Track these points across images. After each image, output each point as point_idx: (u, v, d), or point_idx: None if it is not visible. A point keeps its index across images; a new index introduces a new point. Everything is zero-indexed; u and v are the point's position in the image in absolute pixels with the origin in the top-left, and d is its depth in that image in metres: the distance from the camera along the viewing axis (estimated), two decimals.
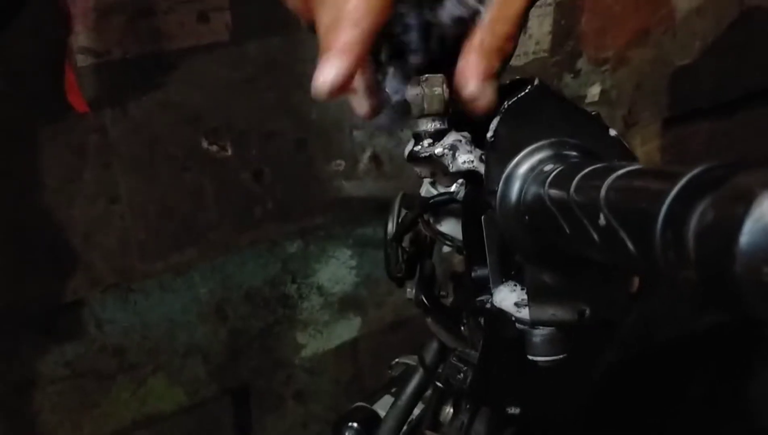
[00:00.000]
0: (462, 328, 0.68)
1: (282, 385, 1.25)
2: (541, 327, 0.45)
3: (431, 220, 0.66)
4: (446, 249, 0.71)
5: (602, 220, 0.30)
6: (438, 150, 0.46)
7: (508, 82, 0.45)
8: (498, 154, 0.42)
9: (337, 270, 1.24)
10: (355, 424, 0.76)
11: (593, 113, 0.43)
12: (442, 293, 0.71)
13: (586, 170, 0.34)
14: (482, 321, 0.59)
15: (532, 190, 0.40)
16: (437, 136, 0.47)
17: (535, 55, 1.26)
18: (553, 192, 0.37)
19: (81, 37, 0.96)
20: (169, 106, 1.04)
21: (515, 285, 0.49)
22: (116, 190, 1.03)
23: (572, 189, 0.35)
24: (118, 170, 1.03)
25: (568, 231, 0.35)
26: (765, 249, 0.22)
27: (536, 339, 0.46)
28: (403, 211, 0.72)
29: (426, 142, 0.47)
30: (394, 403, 0.74)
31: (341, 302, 1.26)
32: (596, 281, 0.43)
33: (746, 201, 0.23)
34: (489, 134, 0.43)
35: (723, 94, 1.52)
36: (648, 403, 1.41)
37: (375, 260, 1.26)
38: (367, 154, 1.19)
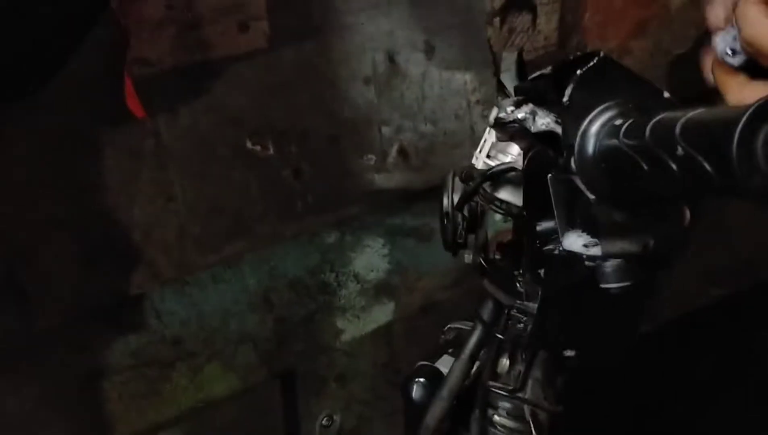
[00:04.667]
0: (518, 284, 0.77)
1: (325, 369, 1.33)
2: (611, 259, 0.54)
3: (489, 190, 0.75)
4: (498, 217, 0.80)
5: (680, 151, 0.39)
6: (521, 114, 0.55)
7: (572, 57, 0.54)
8: (573, 114, 0.51)
9: (371, 258, 1.33)
10: (422, 380, 0.84)
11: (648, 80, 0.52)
12: (496, 256, 0.80)
13: (657, 117, 0.43)
14: (543, 272, 0.68)
15: (608, 140, 0.49)
16: (517, 105, 0.56)
17: (545, 50, 1.35)
18: (629, 138, 0.45)
19: (136, 49, 1.05)
20: (215, 110, 1.12)
21: (581, 232, 0.58)
22: (171, 189, 1.11)
23: (647, 133, 0.44)
24: (172, 171, 1.11)
25: (646, 168, 0.44)
26: None
27: (607, 269, 0.54)
28: (458, 186, 0.81)
29: (510, 109, 0.56)
30: (456, 359, 0.82)
31: (376, 289, 1.35)
32: (658, 217, 0.52)
33: None
34: (565, 99, 0.52)
35: None
36: (660, 376, 1.51)
37: (405, 248, 1.35)
38: (395, 148, 1.28)
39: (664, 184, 0.43)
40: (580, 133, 0.51)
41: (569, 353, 0.75)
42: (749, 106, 0.35)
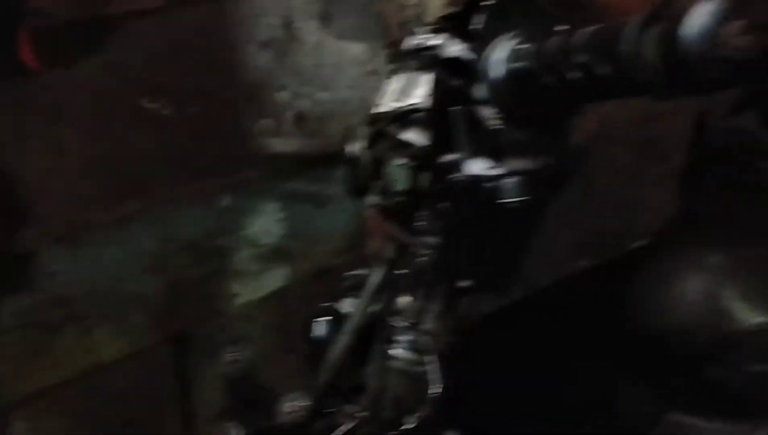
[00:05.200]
0: (419, 221, 0.82)
1: (218, 332, 1.34)
2: (511, 176, 0.60)
3: (394, 132, 0.79)
4: (401, 161, 0.84)
5: (580, 59, 0.45)
6: (435, 41, 0.60)
7: None
8: (484, 42, 0.56)
9: (267, 223, 1.34)
10: (323, 319, 0.87)
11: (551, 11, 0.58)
12: (399, 198, 0.85)
13: (559, 36, 0.49)
14: (446, 204, 0.73)
15: (518, 63, 0.54)
16: (432, 33, 0.60)
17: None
18: (536, 58, 0.51)
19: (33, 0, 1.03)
20: (113, 66, 1.11)
21: (483, 158, 0.63)
22: (64, 145, 1.09)
23: (551, 49, 0.49)
24: (65, 127, 1.09)
25: (551, 81, 0.49)
26: (698, 31, 0.37)
27: (508, 186, 0.60)
28: (363, 131, 0.85)
29: (425, 36, 0.60)
30: (358, 299, 0.86)
31: (270, 253, 1.37)
32: (556, 137, 0.58)
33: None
34: (473, 27, 0.57)
35: None
36: (531, 349, 1.59)
37: (300, 213, 1.37)
38: (292, 113, 1.30)
39: (568, 94, 0.49)
40: (488, 59, 0.56)
41: (465, 283, 0.80)
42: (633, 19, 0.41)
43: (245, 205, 1.32)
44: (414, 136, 0.78)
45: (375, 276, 0.87)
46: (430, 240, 0.79)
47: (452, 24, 0.59)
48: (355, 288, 0.96)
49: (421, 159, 0.79)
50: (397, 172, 0.84)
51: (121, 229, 1.19)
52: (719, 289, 1.34)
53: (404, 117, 0.77)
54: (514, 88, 0.55)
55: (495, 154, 0.60)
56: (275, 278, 1.39)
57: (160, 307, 1.26)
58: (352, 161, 0.84)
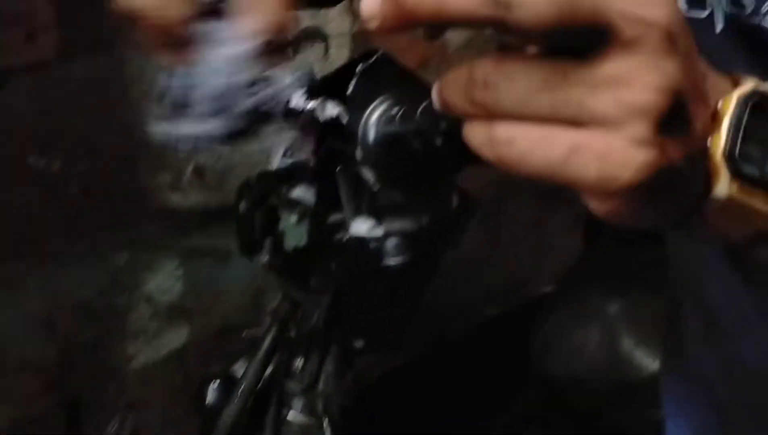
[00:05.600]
0: (312, 279, 0.81)
1: (113, 396, 1.28)
2: (391, 237, 0.59)
3: (284, 189, 0.78)
4: (293, 217, 0.83)
5: (443, 126, 0.45)
6: (311, 104, 0.59)
7: (356, 56, 0.59)
8: (356, 106, 0.56)
9: (165, 280, 1.30)
10: (215, 383, 0.84)
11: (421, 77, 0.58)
12: (290, 255, 0.83)
13: (425, 103, 0.49)
14: (334, 263, 0.72)
15: (386, 127, 0.54)
16: (308, 96, 0.59)
17: None
18: (402, 124, 0.51)
19: None
20: None
21: (366, 217, 0.63)
22: None
23: (417, 116, 0.50)
24: None
25: (417, 147, 0.50)
26: None
27: (389, 246, 0.59)
28: (254, 188, 0.83)
29: (301, 99, 0.59)
30: (250, 361, 0.83)
31: (169, 311, 1.32)
32: (431, 198, 0.58)
33: None
34: (348, 91, 0.57)
35: None
36: (447, 396, 1.60)
37: (200, 269, 1.34)
38: (191, 167, 1.28)
39: (437, 159, 0.49)
40: (362, 123, 0.56)
41: (359, 344, 0.79)
42: None
43: (142, 262, 1.27)
44: (303, 193, 0.77)
45: (269, 335, 0.86)
46: (322, 299, 0.78)
47: (329, 86, 0.59)
48: (251, 349, 0.93)
49: (311, 217, 0.78)
50: (288, 229, 0.83)
51: (7, 291, 1.13)
52: (617, 338, 1.37)
53: (292, 175, 0.76)
54: (384, 152, 0.55)
55: (376, 214, 0.59)
56: (174, 338, 1.34)
57: (51, 371, 1.19)
58: (243, 219, 0.83)
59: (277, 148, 0.82)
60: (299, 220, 0.81)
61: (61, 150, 1.13)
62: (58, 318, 1.19)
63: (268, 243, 0.84)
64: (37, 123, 1.10)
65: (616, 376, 1.20)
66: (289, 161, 0.78)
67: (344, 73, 0.61)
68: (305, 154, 0.77)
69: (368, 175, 0.60)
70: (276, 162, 0.80)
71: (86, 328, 1.22)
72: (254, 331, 0.96)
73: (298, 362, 0.85)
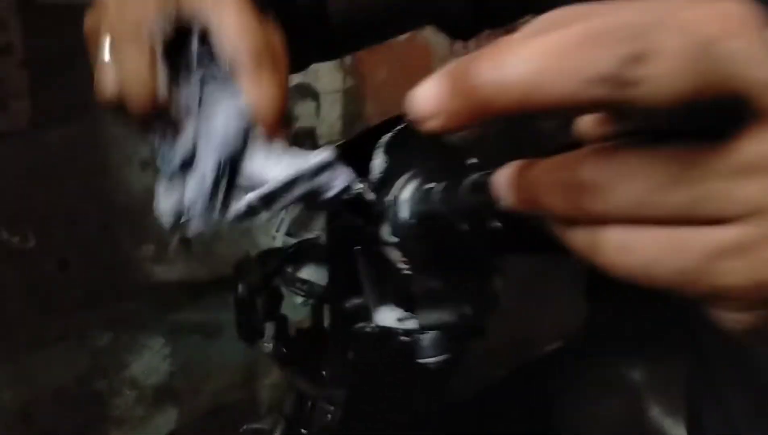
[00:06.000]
0: (324, 372, 0.72)
1: None
2: (428, 332, 0.50)
3: (291, 270, 0.70)
4: (299, 300, 0.74)
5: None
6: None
7: (381, 121, 0.51)
8: (383, 181, 0.48)
9: (151, 360, 1.20)
10: None
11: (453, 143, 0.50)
12: (298, 344, 0.74)
13: (471, 178, 0.41)
14: (352, 354, 0.63)
15: (423, 205, 0.45)
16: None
17: (330, 138, 1.35)
18: (444, 201, 0.43)
19: None
20: None
21: (394, 305, 0.54)
22: None
23: (463, 192, 0.41)
24: None
25: (465, 227, 0.41)
26: None
27: (425, 343, 0.50)
28: (254, 268, 0.74)
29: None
30: None
31: (156, 394, 1.22)
32: (472, 284, 0.50)
33: None
34: (375, 162, 0.48)
35: None
36: None
37: (189, 346, 1.24)
38: (176, 237, 1.19)
39: (485, 244, 0.41)
40: (392, 200, 0.47)
41: None
42: None
43: (126, 342, 1.17)
44: (312, 274, 0.69)
45: (276, 433, 0.76)
46: (337, 393, 0.69)
47: (345, 154, 0.51)
48: None
49: (321, 299, 0.69)
50: (295, 312, 0.74)
51: None
52: (645, 406, 1.28)
53: (301, 253, 0.68)
54: (420, 233, 0.47)
55: (406, 302, 0.51)
56: (163, 422, 1.23)
57: None
58: (243, 302, 0.74)
59: (282, 225, 0.74)
60: (304, 303, 0.72)
61: (35, 223, 1.04)
62: (35, 408, 1.08)
63: (269, 328, 0.75)
64: (8, 195, 1.01)
65: None
66: (295, 239, 0.70)
67: (362, 141, 0.53)
68: (314, 231, 0.68)
69: (396, 257, 0.51)
70: (281, 236, 0.72)
71: (66, 417, 1.11)
72: (255, 426, 0.86)
73: None
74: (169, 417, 1.24)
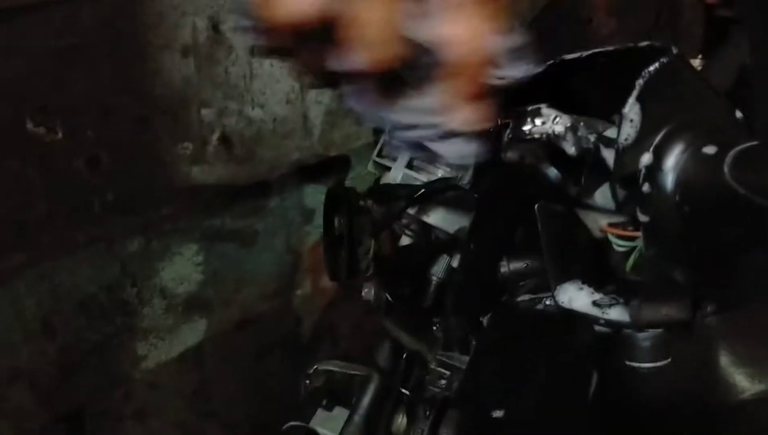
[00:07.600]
0: (435, 328, 0.62)
1: (120, 404, 1.08)
2: (649, 330, 0.40)
3: (413, 211, 0.58)
4: (405, 240, 0.64)
5: None
6: (558, 128, 0.39)
7: (632, 45, 0.38)
8: (639, 132, 0.36)
9: (182, 268, 1.10)
10: None
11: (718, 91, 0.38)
12: (408, 294, 0.64)
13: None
14: (487, 320, 0.53)
15: (701, 174, 0.34)
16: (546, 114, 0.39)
17: None
18: (743, 174, 0.31)
19: None
20: None
21: (582, 283, 0.43)
22: None
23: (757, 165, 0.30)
24: None
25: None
26: None
27: (644, 343, 0.40)
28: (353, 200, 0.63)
29: (541, 121, 0.39)
30: (350, 418, 0.65)
31: (186, 304, 1.12)
32: (731, 274, 0.39)
33: None
34: (626, 110, 0.37)
35: None
36: None
37: (223, 255, 1.13)
38: (216, 135, 1.06)
39: None
40: (648, 160, 0.36)
41: (497, 414, 0.61)
42: None
43: (157, 249, 1.06)
44: (439, 220, 0.58)
45: (371, 388, 0.67)
46: (454, 356, 0.59)
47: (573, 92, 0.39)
48: (326, 393, 0.75)
49: (447, 251, 0.59)
50: (410, 259, 0.63)
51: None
52: (712, 356, 1.20)
53: (432, 195, 0.57)
54: (688, 210, 0.35)
55: (624, 294, 0.40)
56: (191, 333, 1.14)
57: (50, 380, 0.99)
58: (340, 241, 0.63)
59: (391, 151, 0.62)
60: (428, 251, 0.62)
61: (65, 113, 0.91)
62: (59, 318, 0.98)
63: (373, 275, 0.64)
64: (35, 78, 0.88)
65: (711, 400, 1.04)
66: (424, 173, 0.59)
67: (612, 70, 0.40)
68: (448, 169, 0.57)
69: (601, 227, 0.40)
70: (401, 169, 0.60)
71: (90, 328, 1.01)
72: (326, 367, 0.77)
73: (400, 422, 0.67)
74: (197, 328, 1.15)
